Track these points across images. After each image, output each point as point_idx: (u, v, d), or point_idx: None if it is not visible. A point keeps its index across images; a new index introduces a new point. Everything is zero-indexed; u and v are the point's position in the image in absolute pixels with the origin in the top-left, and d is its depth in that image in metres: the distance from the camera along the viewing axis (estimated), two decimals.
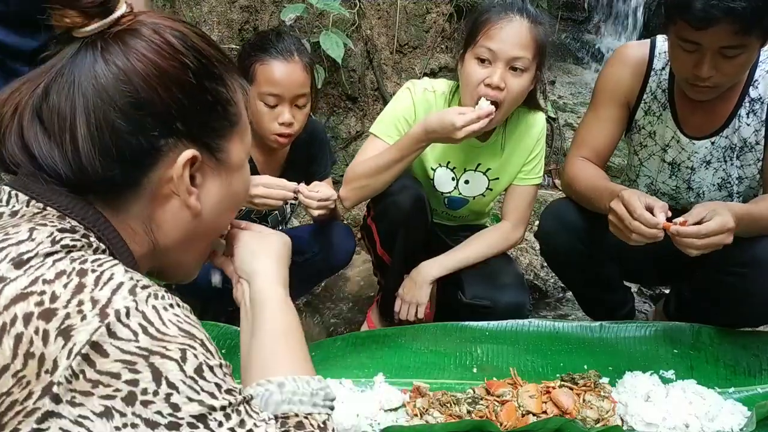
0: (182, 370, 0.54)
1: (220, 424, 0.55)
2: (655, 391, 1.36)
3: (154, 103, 0.64)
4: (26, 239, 0.56)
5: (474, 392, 1.36)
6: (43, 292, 0.52)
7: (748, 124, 1.52)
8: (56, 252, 0.56)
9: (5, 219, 0.60)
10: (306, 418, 0.70)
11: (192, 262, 0.78)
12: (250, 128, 0.77)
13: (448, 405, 1.32)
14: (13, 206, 0.62)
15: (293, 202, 1.86)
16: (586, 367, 1.46)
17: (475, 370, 1.47)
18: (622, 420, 1.33)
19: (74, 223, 0.62)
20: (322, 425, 0.70)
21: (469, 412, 1.30)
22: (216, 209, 0.73)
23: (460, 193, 1.76)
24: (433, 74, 3.07)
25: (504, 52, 1.47)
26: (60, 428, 0.50)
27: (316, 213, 1.64)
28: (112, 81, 0.62)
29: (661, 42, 1.58)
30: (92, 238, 0.62)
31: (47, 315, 0.51)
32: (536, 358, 1.49)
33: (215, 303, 1.67)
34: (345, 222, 2.23)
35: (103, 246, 0.63)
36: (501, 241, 1.72)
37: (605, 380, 1.42)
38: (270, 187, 1.53)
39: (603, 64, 1.99)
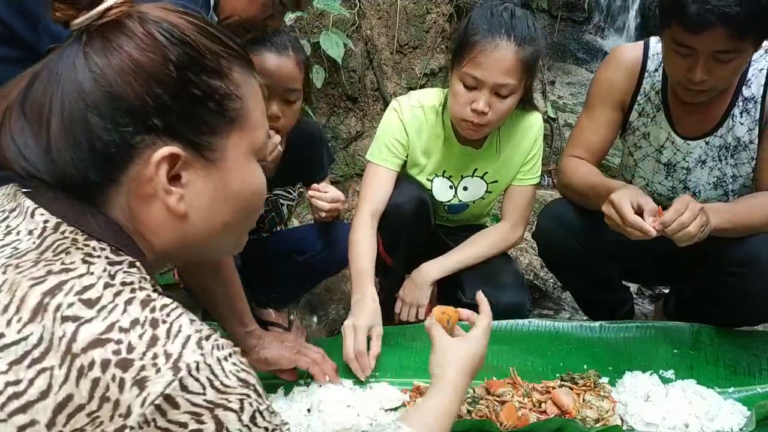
0: (240, 420, 0.58)
1: None
2: (655, 391, 1.36)
3: (127, 97, 0.61)
4: (86, 273, 0.58)
5: (474, 392, 1.36)
6: (120, 341, 0.54)
7: (742, 123, 1.53)
8: (121, 291, 0.58)
9: (32, 241, 0.60)
10: None
11: (217, 252, 0.75)
12: (264, 126, 0.71)
13: None
14: (29, 223, 0.61)
15: (290, 203, 1.87)
16: (586, 366, 1.46)
17: None
18: (621, 420, 1.33)
19: (102, 244, 0.61)
20: None
21: (469, 411, 1.30)
22: (209, 211, 0.68)
23: (460, 200, 1.76)
24: (433, 74, 3.08)
25: (489, 80, 1.45)
26: None
27: (323, 214, 1.65)
28: (87, 74, 0.61)
29: (654, 43, 1.58)
30: (123, 256, 0.62)
31: (124, 364, 0.53)
32: (536, 358, 1.49)
33: None
34: (346, 222, 2.23)
35: (131, 259, 0.63)
36: (500, 241, 1.72)
37: (605, 380, 1.42)
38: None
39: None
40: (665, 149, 1.61)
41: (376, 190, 1.64)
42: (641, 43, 1.62)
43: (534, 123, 1.69)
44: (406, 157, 1.68)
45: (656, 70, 1.58)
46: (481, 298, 1.21)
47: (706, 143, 1.57)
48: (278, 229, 1.92)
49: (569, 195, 1.67)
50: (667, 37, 1.38)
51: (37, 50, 1.09)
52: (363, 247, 1.56)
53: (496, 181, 1.74)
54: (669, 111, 1.58)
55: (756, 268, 1.42)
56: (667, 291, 2.12)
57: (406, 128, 1.64)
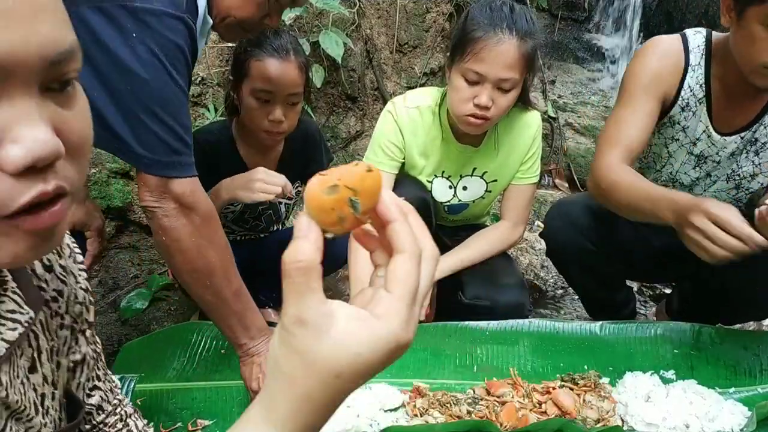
0: None
1: None
2: (656, 392, 1.36)
3: None
4: None
5: (474, 392, 1.35)
6: None
7: None
8: None
9: None
10: None
11: None
12: None
13: (448, 405, 1.31)
14: None
15: (288, 201, 1.86)
16: (586, 367, 1.46)
17: (475, 369, 1.47)
18: (622, 420, 1.33)
19: None
20: None
21: (469, 412, 1.29)
22: None
23: (460, 200, 1.76)
24: (432, 74, 3.07)
25: (492, 75, 1.45)
26: None
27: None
28: None
29: (692, 36, 1.52)
30: None
31: None
32: (536, 358, 1.49)
33: None
34: None
35: None
36: (500, 240, 1.72)
37: (605, 380, 1.42)
38: (271, 177, 1.53)
39: (630, 58, 1.87)
40: (700, 141, 1.57)
41: None
42: (677, 36, 1.54)
43: (532, 121, 1.69)
44: (403, 158, 1.68)
45: (698, 63, 1.52)
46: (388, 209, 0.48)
47: (741, 138, 1.54)
48: (276, 228, 1.92)
49: (608, 200, 1.49)
50: (753, 19, 1.28)
51: None
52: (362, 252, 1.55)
53: (496, 180, 1.73)
54: (710, 105, 1.54)
55: (765, 262, 1.41)
56: (668, 291, 2.12)
57: (402, 130, 1.64)
